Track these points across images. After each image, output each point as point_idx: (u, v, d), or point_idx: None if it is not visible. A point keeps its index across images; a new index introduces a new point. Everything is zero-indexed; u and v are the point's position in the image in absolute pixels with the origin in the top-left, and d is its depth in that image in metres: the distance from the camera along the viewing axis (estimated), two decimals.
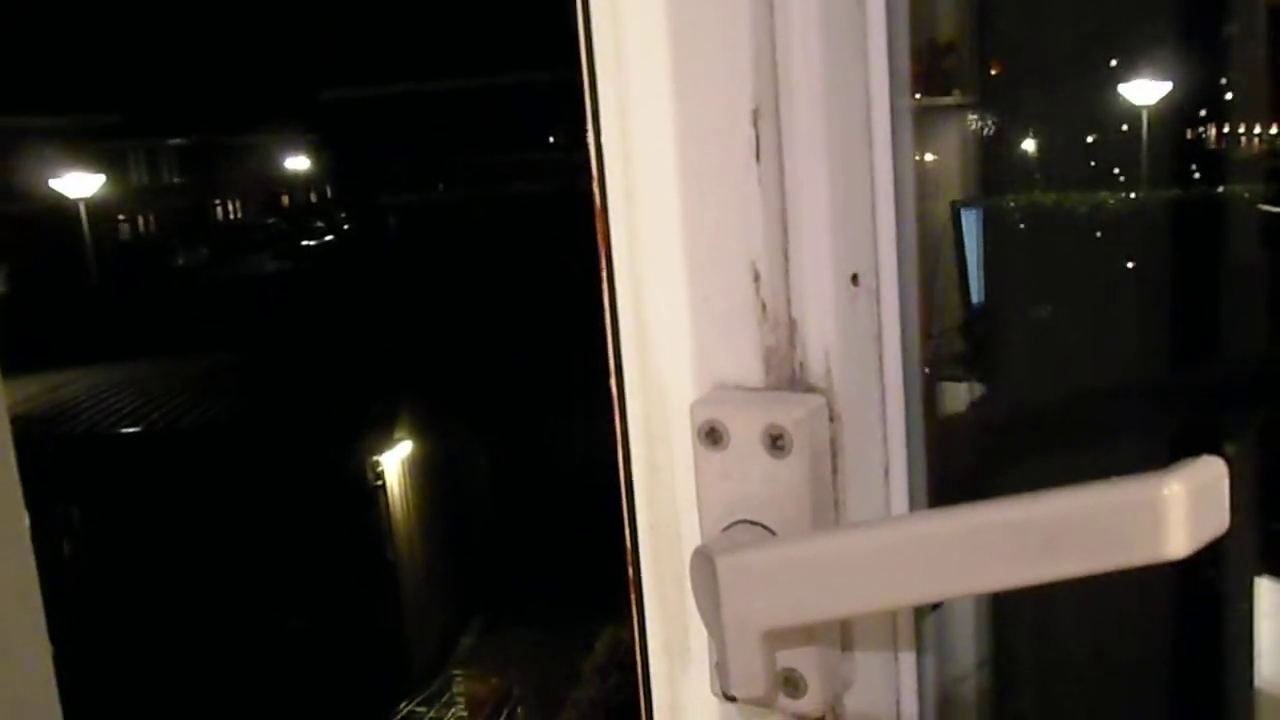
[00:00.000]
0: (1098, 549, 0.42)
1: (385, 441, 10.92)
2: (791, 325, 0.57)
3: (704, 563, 0.53)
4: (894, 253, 0.59)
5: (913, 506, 0.61)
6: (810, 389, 0.57)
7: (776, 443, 0.56)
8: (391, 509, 10.90)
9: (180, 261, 31.92)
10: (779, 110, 0.56)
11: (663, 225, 0.59)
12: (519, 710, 9.95)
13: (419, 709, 9.90)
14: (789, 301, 0.57)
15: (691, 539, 0.61)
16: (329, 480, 10.41)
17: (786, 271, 0.57)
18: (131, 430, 11.27)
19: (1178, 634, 1.13)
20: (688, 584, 0.60)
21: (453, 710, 9.93)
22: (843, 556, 0.48)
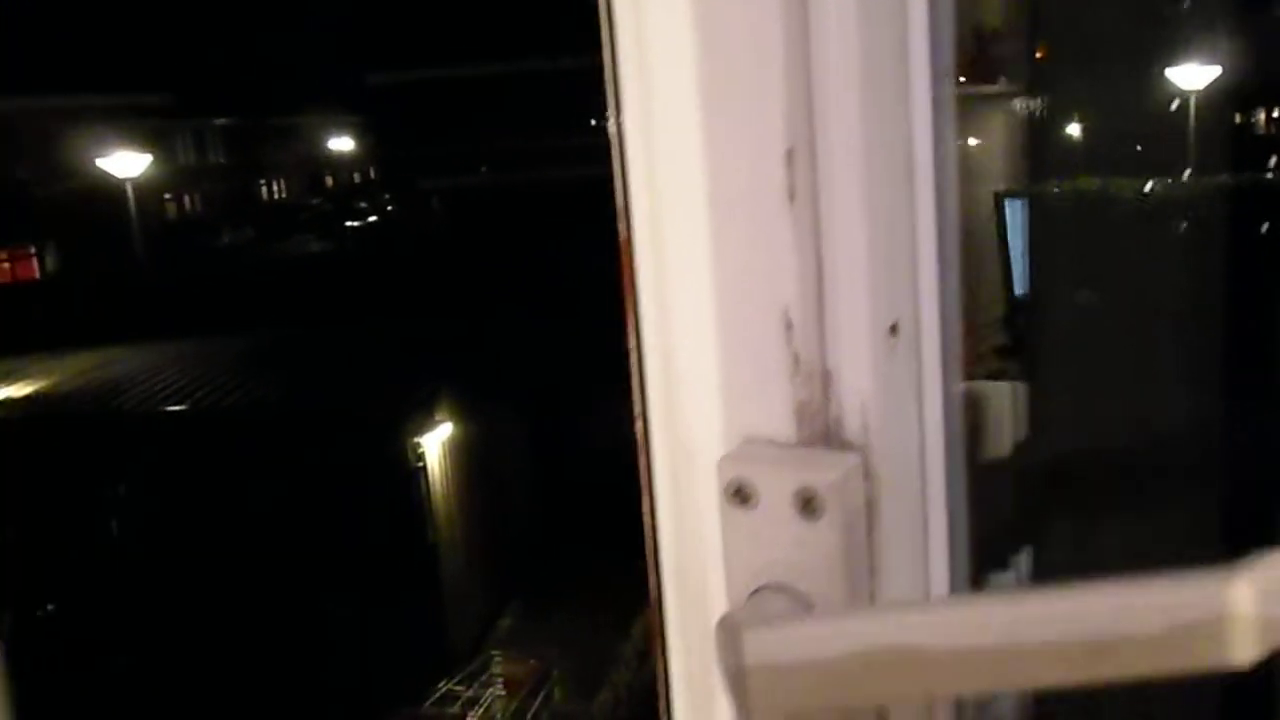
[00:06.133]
0: (1153, 654, 0.39)
1: (426, 423, 10.97)
2: (826, 378, 0.54)
3: (730, 635, 0.50)
4: (936, 300, 0.56)
5: (953, 568, 0.58)
6: (845, 445, 0.54)
7: (808, 505, 0.52)
8: (432, 491, 10.95)
9: (226, 241, 32.20)
10: (815, 151, 0.52)
11: (691, 270, 0.56)
12: (556, 691, 9.99)
13: (457, 688, 9.97)
14: (823, 353, 0.54)
15: (719, 596, 0.58)
16: (370, 461, 10.47)
17: (821, 321, 0.54)
18: (177, 409, 11.40)
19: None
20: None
21: (490, 690, 9.98)
22: (877, 643, 0.45)
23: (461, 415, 11.58)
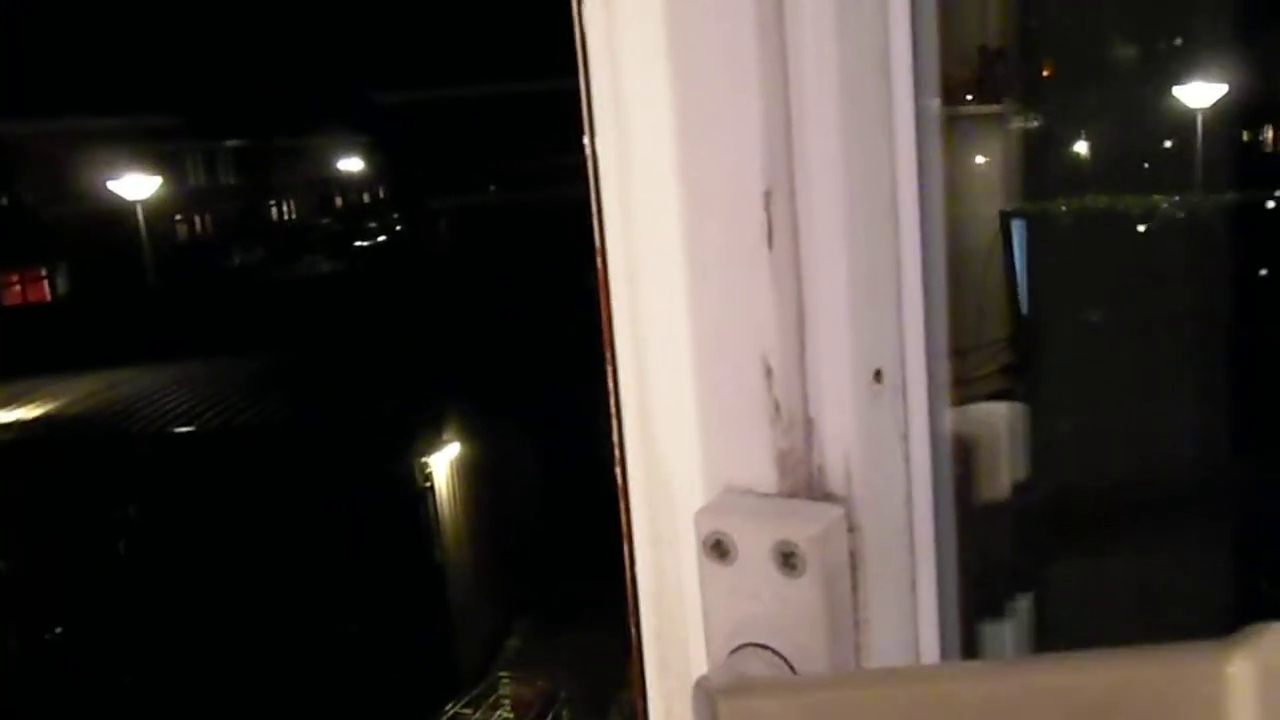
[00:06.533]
0: None
1: (434, 443, 10.94)
2: (808, 426, 0.52)
3: (706, 700, 0.47)
4: (922, 345, 0.53)
5: (943, 623, 0.55)
6: (828, 496, 0.52)
7: (788, 560, 0.50)
8: (439, 511, 10.92)
9: (236, 262, 32.27)
10: (794, 192, 0.50)
11: (669, 316, 0.53)
12: (564, 713, 9.93)
13: (465, 710, 9.90)
14: (805, 400, 0.52)
15: (699, 652, 0.55)
16: (378, 481, 10.45)
17: (802, 368, 0.52)
18: (186, 430, 11.39)
19: None
20: None
21: (498, 712, 9.92)
22: (853, 713, 0.43)
23: (469, 435, 11.56)
